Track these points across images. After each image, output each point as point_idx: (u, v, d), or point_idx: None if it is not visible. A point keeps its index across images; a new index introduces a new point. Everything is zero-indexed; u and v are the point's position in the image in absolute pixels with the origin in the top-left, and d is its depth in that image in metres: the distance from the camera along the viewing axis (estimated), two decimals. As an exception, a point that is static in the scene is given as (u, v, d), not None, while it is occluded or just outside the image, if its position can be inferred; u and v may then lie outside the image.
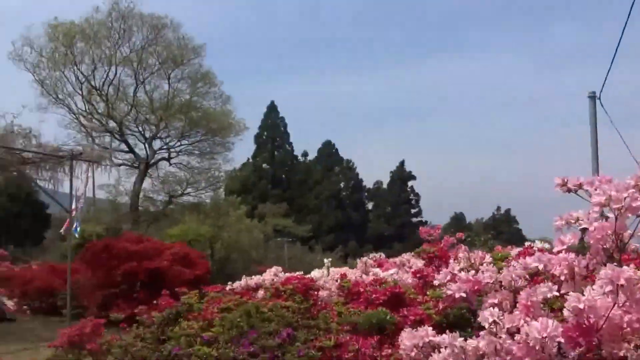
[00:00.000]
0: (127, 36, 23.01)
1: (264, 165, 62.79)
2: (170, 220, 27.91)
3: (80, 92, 23.20)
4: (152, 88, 24.17)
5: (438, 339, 1.94)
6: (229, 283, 6.11)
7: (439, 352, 1.89)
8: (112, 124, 23.74)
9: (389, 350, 3.26)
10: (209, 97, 24.66)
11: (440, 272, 2.16)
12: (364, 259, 5.94)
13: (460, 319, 3.35)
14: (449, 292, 2.06)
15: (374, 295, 3.83)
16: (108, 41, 22.79)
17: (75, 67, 22.93)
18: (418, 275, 4.23)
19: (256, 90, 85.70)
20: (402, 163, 64.70)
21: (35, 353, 9.28)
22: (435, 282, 2.29)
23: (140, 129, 24.57)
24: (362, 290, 4.23)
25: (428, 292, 3.74)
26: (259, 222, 39.05)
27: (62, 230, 17.50)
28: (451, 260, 2.57)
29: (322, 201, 60.95)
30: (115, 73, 23.53)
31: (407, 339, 1.98)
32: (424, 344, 1.95)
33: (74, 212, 16.69)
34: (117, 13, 22.52)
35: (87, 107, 23.72)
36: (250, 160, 60.77)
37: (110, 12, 22.59)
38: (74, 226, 17.22)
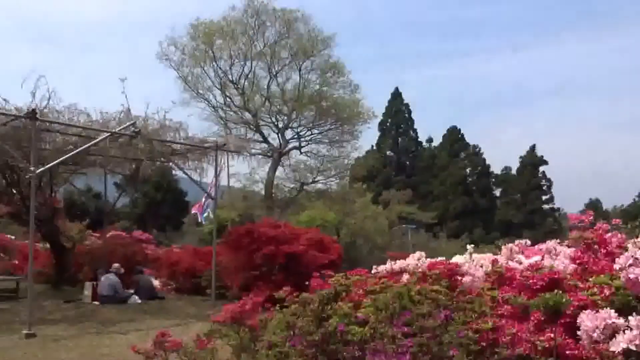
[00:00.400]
0: (261, 31, 24.07)
1: (388, 152, 62.78)
2: (297, 207, 28.85)
3: (218, 87, 24.70)
4: (284, 80, 25.14)
5: (621, 321, 1.95)
6: (374, 267, 6.30)
7: (624, 333, 1.90)
8: (247, 115, 24.97)
9: (551, 334, 3.25)
10: (338, 86, 25.13)
11: (620, 256, 2.15)
12: (509, 245, 5.88)
13: (626, 306, 3.26)
14: (631, 277, 2.05)
15: (530, 281, 3.82)
16: (244, 37, 23.99)
17: (214, 63, 24.46)
18: (577, 261, 4.13)
19: (380, 77, 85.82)
20: (532, 147, 61.54)
21: (187, 329, 10.00)
22: (616, 267, 2.27)
23: (274, 119, 25.54)
24: (516, 275, 4.21)
25: (590, 279, 3.66)
26: (384, 208, 39.18)
27: (193, 212, 18.56)
28: (629, 245, 2.52)
29: (447, 187, 59.75)
30: (251, 67, 24.70)
31: (589, 320, 2.01)
32: (605, 326, 1.96)
33: (208, 200, 17.71)
34: (252, 10, 23.67)
35: (225, 101, 25.17)
36: (374, 147, 61.01)
37: (246, 9, 23.81)
38: (205, 212, 18.29)
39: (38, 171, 9.79)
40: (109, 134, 10.91)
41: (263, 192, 27.23)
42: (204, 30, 23.74)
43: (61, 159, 10.66)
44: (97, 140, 10.82)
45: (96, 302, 13.70)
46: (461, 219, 57.35)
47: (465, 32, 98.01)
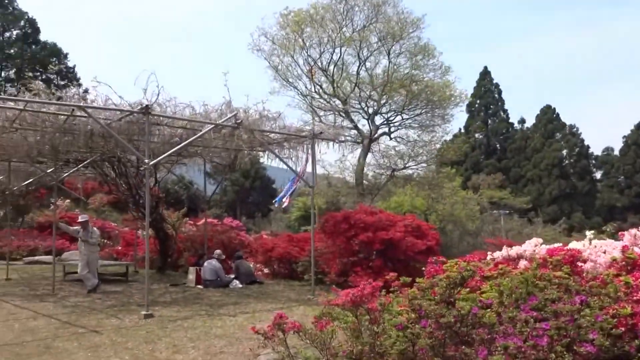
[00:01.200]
0: (349, 17, 23.90)
1: (477, 134, 60.81)
2: (385, 193, 28.60)
3: (308, 75, 24.80)
4: (373, 65, 24.81)
5: None
6: (489, 253, 6.23)
7: None
8: (336, 102, 24.95)
9: (702, 321, 3.11)
10: (428, 69, 24.49)
11: None
12: (633, 231, 5.64)
13: None
14: None
15: (671, 265, 3.65)
16: (332, 24, 23.91)
17: (304, 52, 24.58)
18: None
19: (468, 56, 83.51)
20: (637, 126, 57.62)
21: (290, 312, 10.29)
22: None
23: (363, 105, 25.35)
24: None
25: None
26: (474, 193, 38.18)
27: (282, 203, 18.86)
28: None
29: (541, 170, 57.30)
30: (340, 54, 24.60)
31: None
32: None
33: (291, 187, 17.95)
34: (340, -4, 23.65)
35: (315, 88, 25.29)
36: (462, 129, 59.28)
37: (335, -5, 23.78)
38: (281, 199, 18.54)
39: (151, 163, 10.37)
40: (213, 125, 11.31)
41: (349, 179, 27.31)
42: (293, 19, 23.86)
43: (172, 150, 11.21)
44: (203, 132, 11.25)
45: (200, 286, 14.42)
46: (558, 204, 55.01)
47: (561, 4, 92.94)
